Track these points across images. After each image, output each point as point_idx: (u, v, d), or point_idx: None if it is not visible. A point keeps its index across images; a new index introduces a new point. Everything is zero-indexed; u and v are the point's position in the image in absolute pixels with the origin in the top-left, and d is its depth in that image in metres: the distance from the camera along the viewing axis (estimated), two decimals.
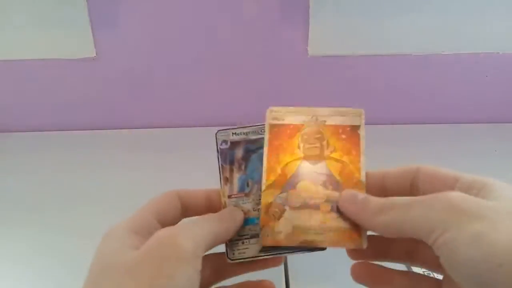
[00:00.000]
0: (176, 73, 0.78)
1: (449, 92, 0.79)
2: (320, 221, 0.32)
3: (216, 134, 0.34)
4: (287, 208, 0.32)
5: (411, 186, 0.32)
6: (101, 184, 0.67)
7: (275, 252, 0.33)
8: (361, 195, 0.31)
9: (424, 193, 0.31)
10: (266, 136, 0.34)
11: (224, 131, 0.34)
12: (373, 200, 0.30)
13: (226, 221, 0.32)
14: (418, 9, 0.73)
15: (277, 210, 0.32)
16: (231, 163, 0.34)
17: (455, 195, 0.26)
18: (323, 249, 0.32)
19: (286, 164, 0.33)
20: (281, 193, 0.32)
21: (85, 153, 0.74)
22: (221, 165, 0.34)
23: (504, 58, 0.76)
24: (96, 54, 0.75)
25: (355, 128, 0.33)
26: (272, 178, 0.33)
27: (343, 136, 0.33)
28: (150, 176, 0.67)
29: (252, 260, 0.33)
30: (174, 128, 0.80)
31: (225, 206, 0.33)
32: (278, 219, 0.32)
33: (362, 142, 0.33)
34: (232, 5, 0.73)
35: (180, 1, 0.72)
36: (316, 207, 0.32)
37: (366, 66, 0.77)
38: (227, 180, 0.34)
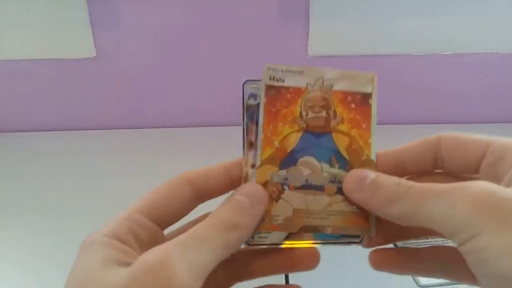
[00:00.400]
0: (175, 73, 0.78)
1: (449, 92, 0.79)
2: (324, 204, 0.28)
3: (243, 84, 0.28)
4: (286, 188, 0.27)
5: (436, 160, 0.27)
6: (100, 184, 0.66)
7: (303, 241, 0.28)
8: (369, 176, 0.26)
9: (450, 166, 0.27)
10: (262, 100, 0.28)
11: (254, 82, 0.28)
12: (383, 185, 0.25)
13: (237, 226, 0.24)
14: (418, 9, 0.72)
15: (274, 190, 0.27)
16: (259, 123, 0.28)
17: (481, 190, 0.22)
18: (358, 242, 0.28)
19: (286, 136, 0.28)
20: (279, 170, 0.27)
21: (85, 153, 0.74)
22: (246, 124, 0.28)
23: (503, 58, 0.76)
24: (96, 54, 0.75)
25: (366, 97, 0.28)
26: (269, 151, 0.27)
27: (352, 105, 0.28)
28: (149, 176, 0.67)
29: (274, 249, 0.27)
30: (174, 128, 0.80)
31: (246, 180, 0.27)
32: (276, 201, 0.27)
33: (374, 114, 0.28)
34: (233, 5, 0.73)
35: (180, 1, 0.72)
36: (320, 188, 0.28)
37: (366, 66, 0.77)
38: (251, 146, 0.28)
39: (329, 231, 0.28)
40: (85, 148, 0.75)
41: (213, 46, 0.75)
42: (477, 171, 0.26)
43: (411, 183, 0.24)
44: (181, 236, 0.23)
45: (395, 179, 0.25)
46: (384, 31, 0.73)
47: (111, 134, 0.79)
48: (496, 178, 0.24)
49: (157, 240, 0.24)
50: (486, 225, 0.21)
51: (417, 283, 0.50)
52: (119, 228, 0.24)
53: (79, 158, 0.72)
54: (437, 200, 0.23)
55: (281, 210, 0.27)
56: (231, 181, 0.27)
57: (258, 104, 0.28)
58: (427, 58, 0.75)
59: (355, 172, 0.27)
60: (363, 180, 0.26)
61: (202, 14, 0.73)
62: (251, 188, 0.26)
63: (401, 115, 0.80)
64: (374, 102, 0.28)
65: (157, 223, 0.25)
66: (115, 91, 0.78)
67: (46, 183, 0.67)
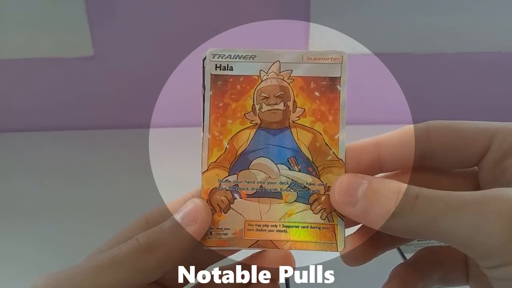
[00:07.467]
0: (175, 71, 0.78)
1: (451, 92, 0.78)
2: (282, 214, 0.24)
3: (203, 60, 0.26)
4: (237, 196, 0.24)
5: (423, 155, 0.23)
6: (98, 184, 0.65)
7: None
8: (362, 183, 0.21)
9: (442, 162, 0.22)
10: (208, 93, 0.24)
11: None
12: (381, 195, 0.21)
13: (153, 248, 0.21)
14: (419, 8, 0.70)
15: (223, 198, 0.24)
16: (204, 121, 0.26)
17: None
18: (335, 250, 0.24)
19: (236, 134, 0.24)
20: (228, 175, 0.24)
21: (83, 153, 0.72)
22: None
23: (506, 57, 0.75)
24: (94, 52, 0.73)
25: (333, 82, 0.24)
26: (217, 154, 0.24)
27: (317, 94, 0.24)
28: (149, 176, 0.67)
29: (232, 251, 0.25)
30: (174, 128, 0.79)
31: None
32: (225, 211, 0.24)
33: (343, 103, 0.24)
34: (232, 5, 0.71)
35: (179, 0, 0.72)
36: (277, 195, 0.24)
37: (366, 65, 0.77)
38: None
39: (287, 246, 0.23)
40: (82, 147, 0.73)
41: (213, 44, 0.75)
42: (476, 165, 0.22)
43: (415, 190, 0.20)
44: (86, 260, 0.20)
45: (393, 184, 0.20)
46: (384, 31, 0.72)
47: (109, 134, 0.77)
48: (504, 173, 0.20)
49: None
50: None
51: None
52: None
53: (77, 158, 0.70)
54: (455, 216, 0.18)
55: (231, 223, 0.24)
56: None
57: (204, 98, 0.24)
58: (428, 57, 0.75)
59: (344, 179, 0.22)
60: (354, 190, 0.22)
61: (201, 13, 0.72)
62: (187, 204, 0.23)
63: (401, 115, 0.80)
64: (343, 88, 0.24)
65: None
66: (113, 90, 0.77)
67: (42, 183, 0.65)
